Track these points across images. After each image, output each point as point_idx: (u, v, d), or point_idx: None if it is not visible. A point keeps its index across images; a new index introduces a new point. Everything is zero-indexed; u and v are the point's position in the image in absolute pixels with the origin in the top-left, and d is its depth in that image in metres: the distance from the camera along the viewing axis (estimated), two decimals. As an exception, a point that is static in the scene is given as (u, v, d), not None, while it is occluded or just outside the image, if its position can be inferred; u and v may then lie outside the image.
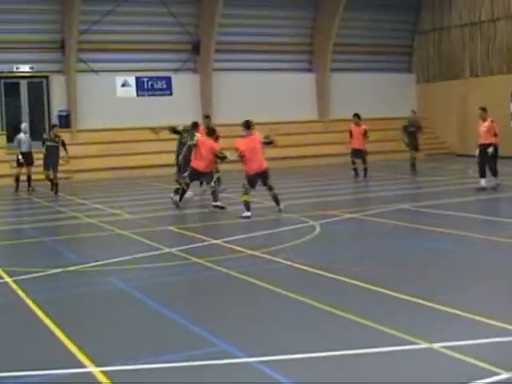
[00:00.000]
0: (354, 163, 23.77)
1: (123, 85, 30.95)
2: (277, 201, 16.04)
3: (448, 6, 34.82)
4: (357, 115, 24.34)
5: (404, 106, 34.64)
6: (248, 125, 16.20)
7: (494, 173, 18.85)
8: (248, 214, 15.41)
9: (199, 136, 17.30)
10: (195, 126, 18.68)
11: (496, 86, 30.96)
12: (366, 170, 23.49)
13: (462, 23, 34.18)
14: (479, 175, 18.70)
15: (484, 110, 19.53)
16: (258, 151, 15.95)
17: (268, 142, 16.38)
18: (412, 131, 25.19)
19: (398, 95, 35.28)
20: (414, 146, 25.03)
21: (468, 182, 21.43)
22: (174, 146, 28.48)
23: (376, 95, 34.17)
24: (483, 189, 18.33)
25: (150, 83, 31.36)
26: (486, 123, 19.05)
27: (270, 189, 16.06)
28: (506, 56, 32.41)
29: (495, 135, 18.81)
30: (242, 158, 15.87)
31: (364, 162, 23.60)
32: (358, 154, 23.72)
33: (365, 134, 23.88)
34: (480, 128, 19.03)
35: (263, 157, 16.04)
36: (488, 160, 18.75)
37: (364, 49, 35.24)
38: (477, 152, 19.11)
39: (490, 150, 18.55)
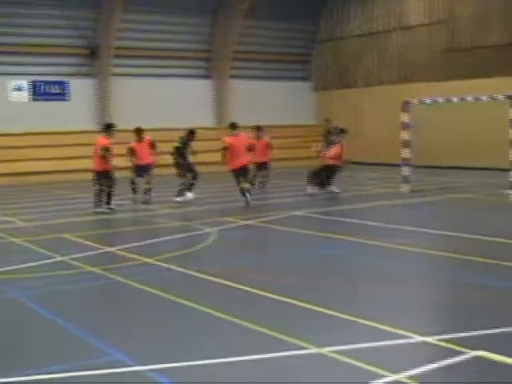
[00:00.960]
0: (253, 176, 21.81)
1: (16, 89, 30.25)
2: (247, 193, 18.27)
3: (346, 16, 35.58)
4: (257, 128, 22.73)
5: (303, 114, 35.27)
6: (234, 125, 19.03)
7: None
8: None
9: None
10: (192, 133, 20.00)
11: (388, 95, 31.81)
12: (264, 182, 22.35)
13: (359, 33, 35.00)
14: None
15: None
16: (244, 149, 18.51)
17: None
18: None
19: (297, 103, 35.80)
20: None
21: (364, 189, 21.97)
22: (70, 152, 28.42)
23: (276, 103, 34.54)
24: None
25: (45, 87, 30.77)
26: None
27: (250, 183, 19.14)
28: (398, 66, 33.38)
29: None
30: (225, 152, 18.33)
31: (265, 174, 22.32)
32: (262, 166, 22.17)
33: (268, 146, 22.26)
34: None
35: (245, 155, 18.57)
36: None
37: (264, 57, 35.58)
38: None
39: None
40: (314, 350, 6.77)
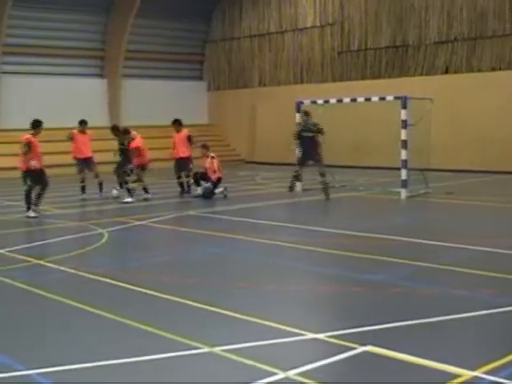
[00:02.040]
0: (179, 177, 20.73)
1: None
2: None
3: (238, 17, 35.79)
4: (177, 121, 21.11)
5: (197, 113, 35.24)
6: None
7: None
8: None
9: None
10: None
11: (283, 96, 32.19)
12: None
13: (252, 34, 35.27)
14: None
15: (205, 147, 20.63)
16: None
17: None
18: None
19: (190, 102, 35.76)
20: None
21: (256, 188, 22.15)
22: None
23: (169, 102, 34.36)
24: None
25: None
26: (209, 159, 20.12)
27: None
28: (292, 67, 33.81)
29: (217, 171, 20.01)
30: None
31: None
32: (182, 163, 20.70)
33: (189, 139, 20.82)
34: (205, 164, 20.17)
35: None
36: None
37: (157, 56, 35.43)
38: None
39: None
40: (205, 350, 6.78)
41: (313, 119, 19.08)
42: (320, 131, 18.84)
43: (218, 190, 19.64)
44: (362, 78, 30.95)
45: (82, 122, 20.81)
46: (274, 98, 33.47)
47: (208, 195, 19.42)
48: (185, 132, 20.89)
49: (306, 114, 19.17)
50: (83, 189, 19.82)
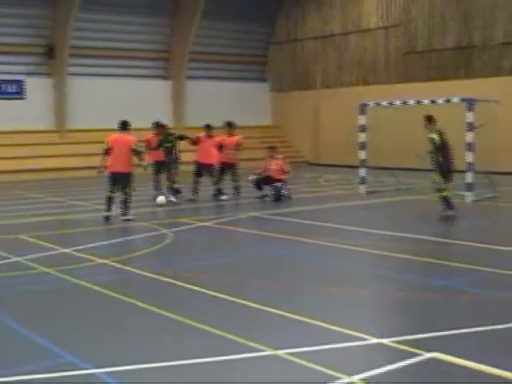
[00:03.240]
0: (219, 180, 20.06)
1: (-29, 87, 29.85)
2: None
3: (302, 18, 35.70)
4: (229, 124, 20.65)
5: (260, 115, 35.26)
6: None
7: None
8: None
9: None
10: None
11: (346, 97, 31.98)
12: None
13: (315, 35, 35.14)
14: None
15: (272, 148, 20.28)
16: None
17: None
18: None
19: (254, 104, 35.80)
20: None
21: (319, 190, 22.06)
22: (26, 151, 28.12)
23: (232, 104, 34.44)
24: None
25: (0, 86, 30.36)
26: (277, 161, 19.70)
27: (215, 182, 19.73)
28: (355, 69, 33.59)
29: (287, 173, 19.67)
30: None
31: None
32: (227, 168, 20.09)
33: (237, 145, 20.07)
34: (271, 166, 19.70)
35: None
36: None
37: (220, 57, 35.56)
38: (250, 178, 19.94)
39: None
40: (269, 352, 6.76)
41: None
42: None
43: (284, 191, 19.50)
44: (427, 80, 30.54)
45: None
46: (337, 100, 33.28)
47: (278, 197, 19.18)
48: (236, 138, 20.21)
49: (430, 119, 16.84)
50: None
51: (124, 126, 16.51)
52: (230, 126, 20.61)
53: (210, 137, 19.72)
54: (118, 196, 15.98)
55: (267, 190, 19.54)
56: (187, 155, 21.10)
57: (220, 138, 20.13)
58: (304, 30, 35.69)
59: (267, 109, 37.10)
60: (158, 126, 20.09)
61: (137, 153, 15.94)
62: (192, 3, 33.37)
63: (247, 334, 7.30)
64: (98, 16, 31.73)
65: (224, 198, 19.36)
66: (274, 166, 19.75)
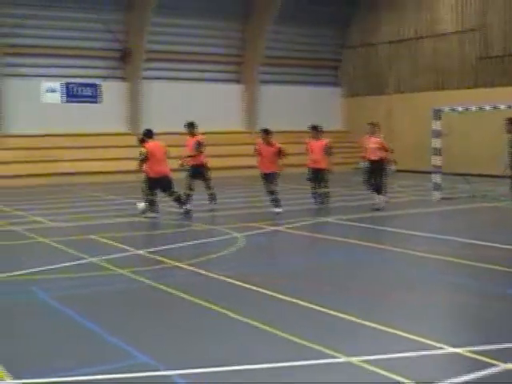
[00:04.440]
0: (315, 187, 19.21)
1: (49, 90, 30.51)
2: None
3: (375, 22, 35.44)
4: (314, 127, 19.47)
5: (331, 119, 35.10)
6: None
7: (379, 190, 18.62)
8: None
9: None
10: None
11: (420, 102, 31.62)
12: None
13: (390, 40, 34.85)
14: (372, 191, 18.82)
15: (374, 125, 19.13)
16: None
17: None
18: None
19: (325, 108, 35.66)
20: None
21: (394, 196, 21.82)
22: (101, 153, 28.63)
23: (304, 108, 34.45)
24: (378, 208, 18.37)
25: (77, 90, 31.00)
26: (376, 139, 18.78)
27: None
28: (429, 74, 33.19)
29: (386, 151, 18.73)
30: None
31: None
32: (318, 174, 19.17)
33: (326, 149, 19.01)
34: (368, 144, 18.80)
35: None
36: (376, 177, 18.63)
37: (292, 62, 35.59)
38: (361, 165, 19.31)
39: (392, 168, 18.73)
40: (342, 359, 6.71)
41: None
42: None
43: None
44: (504, 85, 29.97)
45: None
46: (410, 105, 32.94)
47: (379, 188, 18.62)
48: (323, 141, 19.12)
49: None
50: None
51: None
52: (315, 130, 19.35)
53: (269, 143, 18.38)
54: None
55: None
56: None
57: (307, 141, 19.42)
58: (378, 34, 35.43)
59: (338, 113, 36.94)
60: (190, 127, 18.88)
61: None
62: (265, 7, 33.49)
63: (320, 339, 7.26)
64: (171, 20, 32.13)
65: (277, 211, 17.80)
66: (372, 144, 18.73)
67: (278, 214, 17.44)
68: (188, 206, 17.61)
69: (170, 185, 17.31)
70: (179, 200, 17.41)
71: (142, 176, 17.43)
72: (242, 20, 34.20)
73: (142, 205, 17.30)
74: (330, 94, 36.97)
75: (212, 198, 18.42)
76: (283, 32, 34.44)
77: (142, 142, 17.70)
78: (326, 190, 19.15)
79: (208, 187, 18.43)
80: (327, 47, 36.82)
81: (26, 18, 29.39)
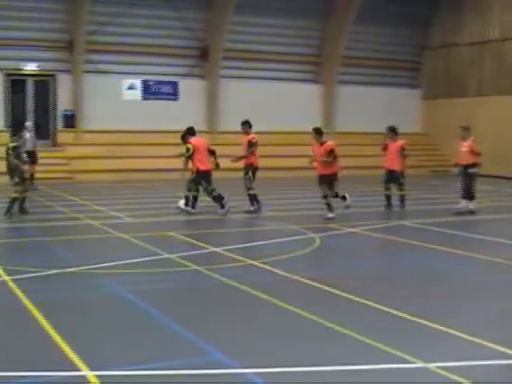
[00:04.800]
0: (387, 189, 18.97)
1: (129, 87, 30.97)
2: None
3: (458, 23, 34.82)
4: (392, 129, 19.19)
5: (408, 122, 34.68)
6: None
7: (471, 196, 18.05)
8: None
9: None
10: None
11: (503, 105, 30.97)
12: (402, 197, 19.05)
13: (473, 41, 34.18)
14: (462, 196, 18.17)
15: (466, 128, 18.58)
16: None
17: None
18: None
19: (403, 110, 35.18)
20: None
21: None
22: (178, 151, 28.82)
23: (381, 109, 34.10)
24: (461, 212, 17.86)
25: (156, 87, 31.39)
26: (467, 142, 18.20)
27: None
28: (513, 76, 32.46)
29: (478, 155, 18.12)
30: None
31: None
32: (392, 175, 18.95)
33: (402, 150, 18.82)
34: (461, 147, 18.25)
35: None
36: (467, 182, 18.04)
37: (371, 62, 35.29)
38: (455, 171, 18.73)
39: (473, 170, 17.97)
40: (420, 365, 6.57)
41: None
42: None
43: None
44: None
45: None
46: (493, 108, 32.24)
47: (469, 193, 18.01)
48: (399, 142, 18.94)
49: None
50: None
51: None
52: (393, 131, 19.10)
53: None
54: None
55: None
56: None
57: (386, 142, 19.10)
58: (460, 35, 34.79)
59: (416, 115, 36.46)
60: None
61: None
62: (345, 7, 33.29)
63: (397, 343, 7.12)
64: (250, 19, 32.22)
65: (329, 216, 16.82)
66: (463, 147, 18.18)
67: (329, 219, 16.60)
68: (255, 206, 17.82)
69: (211, 181, 17.40)
70: (217, 198, 17.34)
71: (187, 174, 17.48)
72: (321, 20, 34.06)
73: (182, 202, 17.39)
74: (409, 96, 36.52)
75: (252, 199, 18.03)
76: (362, 32, 34.17)
77: (184, 139, 17.81)
78: (403, 192, 18.91)
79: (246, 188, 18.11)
80: (406, 48, 36.37)
81: (112, 15, 29.86)
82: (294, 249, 12.85)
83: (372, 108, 34.23)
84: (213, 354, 6.86)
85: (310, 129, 19.99)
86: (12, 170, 16.78)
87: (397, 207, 18.69)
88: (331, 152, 16.68)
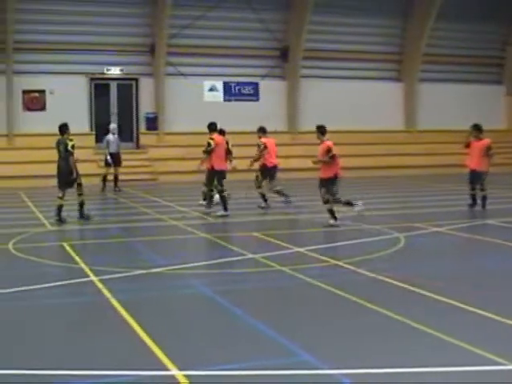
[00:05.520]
0: (473, 188, 18.47)
1: (211, 89, 31.26)
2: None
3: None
4: (477, 127, 18.46)
5: (492, 119, 33.99)
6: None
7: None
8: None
9: None
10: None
11: None
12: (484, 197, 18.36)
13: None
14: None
15: (477, 127, 18.23)
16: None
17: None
18: None
19: (487, 107, 34.53)
20: None
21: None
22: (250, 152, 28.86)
23: (464, 106, 33.55)
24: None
25: (237, 88, 31.58)
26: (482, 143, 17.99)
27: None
28: None
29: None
30: None
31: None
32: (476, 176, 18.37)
33: (487, 150, 18.24)
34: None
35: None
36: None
37: (453, 59, 34.75)
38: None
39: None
40: (510, 367, 6.40)
41: None
42: None
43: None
44: None
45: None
46: None
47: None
48: (484, 141, 18.33)
49: None
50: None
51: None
52: (478, 129, 18.40)
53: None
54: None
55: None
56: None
57: (470, 141, 18.48)
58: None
59: (501, 112, 35.72)
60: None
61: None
62: (426, 4, 32.86)
63: (487, 345, 6.97)
64: (330, 19, 32.14)
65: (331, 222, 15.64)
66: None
67: (332, 225, 15.53)
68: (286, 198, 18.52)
69: (222, 181, 17.42)
70: (224, 199, 17.27)
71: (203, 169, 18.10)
72: (402, 17, 33.73)
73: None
74: (492, 92, 35.83)
75: (264, 197, 18.79)
76: (444, 29, 33.68)
77: (211, 129, 17.95)
78: (484, 193, 18.35)
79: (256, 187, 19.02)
80: (490, 44, 35.68)
81: (192, 19, 30.17)
82: (378, 249, 12.74)
83: (454, 105, 33.71)
84: (300, 355, 6.84)
85: (391, 127, 19.92)
86: (75, 173, 16.09)
87: (481, 206, 18.25)
88: (329, 151, 15.58)
